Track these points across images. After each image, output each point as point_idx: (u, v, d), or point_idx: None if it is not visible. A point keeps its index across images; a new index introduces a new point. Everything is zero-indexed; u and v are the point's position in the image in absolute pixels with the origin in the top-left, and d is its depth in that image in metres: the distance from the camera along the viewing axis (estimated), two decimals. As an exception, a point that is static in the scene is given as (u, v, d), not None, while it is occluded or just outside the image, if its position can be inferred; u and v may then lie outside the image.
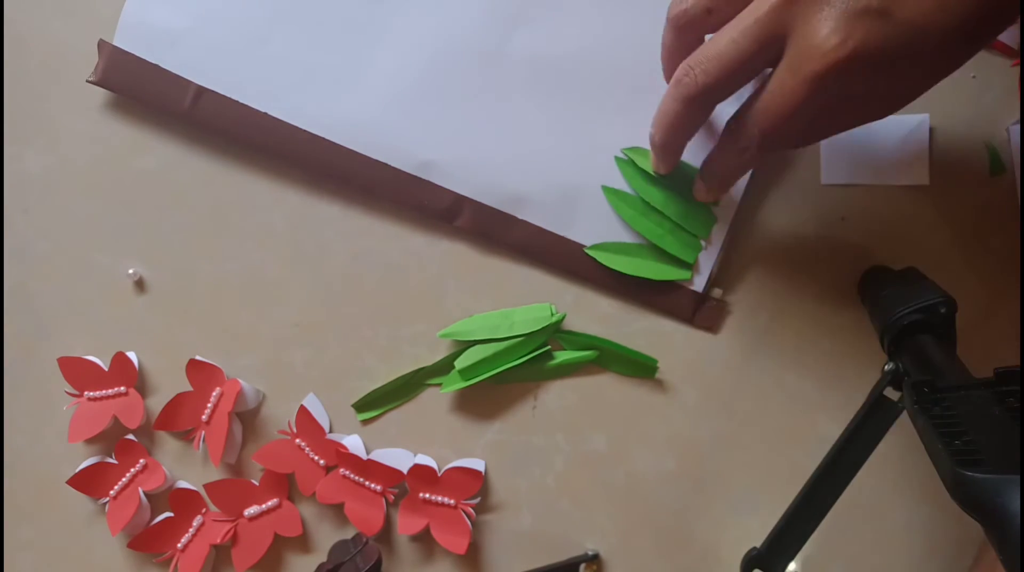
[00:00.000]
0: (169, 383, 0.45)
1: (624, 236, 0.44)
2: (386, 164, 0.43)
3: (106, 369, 0.44)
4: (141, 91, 0.43)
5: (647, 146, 0.43)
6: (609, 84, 0.43)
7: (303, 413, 0.44)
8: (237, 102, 0.43)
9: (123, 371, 0.44)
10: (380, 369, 0.45)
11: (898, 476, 0.43)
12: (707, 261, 0.44)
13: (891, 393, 0.37)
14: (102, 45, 0.43)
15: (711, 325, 0.44)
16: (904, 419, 0.35)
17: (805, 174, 0.43)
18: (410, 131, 0.43)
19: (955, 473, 0.27)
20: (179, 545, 0.44)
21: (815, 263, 0.44)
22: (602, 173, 0.44)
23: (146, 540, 0.44)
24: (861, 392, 0.37)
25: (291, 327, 0.45)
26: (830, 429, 0.42)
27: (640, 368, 0.44)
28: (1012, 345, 0.43)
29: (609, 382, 0.45)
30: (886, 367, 0.37)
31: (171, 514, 0.44)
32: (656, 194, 0.43)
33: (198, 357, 0.44)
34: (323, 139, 0.43)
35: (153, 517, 0.45)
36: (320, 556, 0.45)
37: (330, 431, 0.45)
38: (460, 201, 0.44)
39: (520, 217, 0.44)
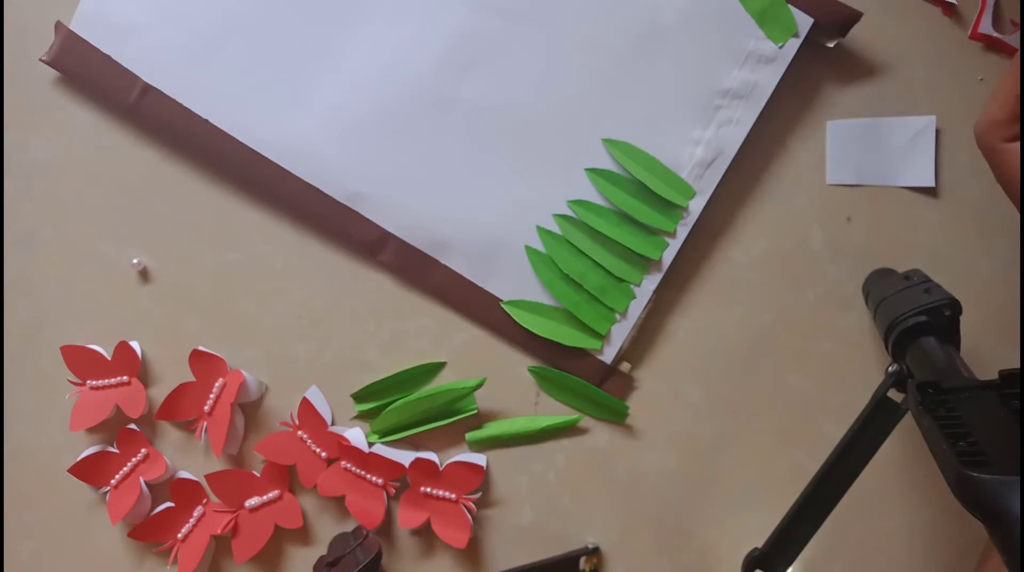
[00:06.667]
0: (172, 373, 0.45)
1: (542, 297, 0.44)
2: (317, 189, 0.43)
3: (109, 358, 0.44)
4: (90, 79, 0.43)
5: (591, 200, 0.43)
6: (549, 146, 0.43)
7: (305, 405, 0.44)
8: (181, 105, 0.43)
9: (126, 360, 0.44)
10: (383, 363, 0.45)
11: (900, 478, 0.43)
12: (619, 334, 0.44)
13: (894, 395, 0.37)
14: (59, 27, 0.43)
15: (618, 396, 0.44)
16: (905, 421, 0.35)
17: (811, 174, 0.43)
18: (346, 161, 0.43)
19: (960, 474, 0.27)
20: (179, 535, 0.44)
21: (819, 263, 0.44)
22: (528, 232, 0.44)
23: (147, 530, 0.44)
24: (864, 393, 0.37)
25: (295, 319, 0.45)
26: (833, 430, 0.42)
27: (610, 412, 0.44)
28: (1017, 347, 0.43)
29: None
30: (890, 369, 0.37)
31: (172, 504, 0.44)
32: (576, 265, 0.43)
33: (201, 348, 0.44)
34: (259, 154, 0.43)
35: (154, 507, 0.45)
36: (321, 549, 0.45)
37: (332, 424, 0.45)
38: (386, 237, 0.44)
39: (442, 261, 0.44)
